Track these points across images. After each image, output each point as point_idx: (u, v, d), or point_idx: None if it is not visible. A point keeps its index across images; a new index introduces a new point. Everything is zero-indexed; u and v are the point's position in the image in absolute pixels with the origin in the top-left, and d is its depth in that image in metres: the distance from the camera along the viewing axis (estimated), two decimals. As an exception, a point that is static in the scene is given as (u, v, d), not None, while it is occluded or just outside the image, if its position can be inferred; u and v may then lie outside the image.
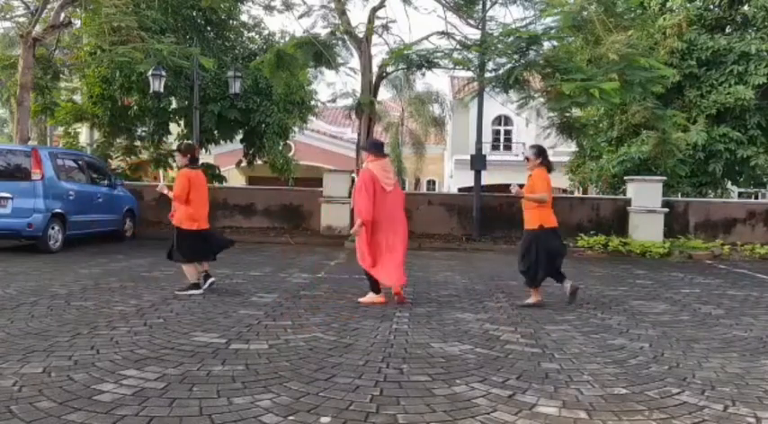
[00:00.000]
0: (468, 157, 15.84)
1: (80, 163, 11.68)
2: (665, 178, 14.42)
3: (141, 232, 13.21)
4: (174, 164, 18.74)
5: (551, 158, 6.79)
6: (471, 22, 14.06)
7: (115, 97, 16.42)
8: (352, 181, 15.08)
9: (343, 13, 14.23)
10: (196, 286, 6.61)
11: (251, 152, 18.73)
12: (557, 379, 3.82)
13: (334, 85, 76.07)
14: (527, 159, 6.65)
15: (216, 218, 14.27)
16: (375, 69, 14.47)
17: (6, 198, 9.70)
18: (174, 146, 18.53)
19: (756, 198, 21.20)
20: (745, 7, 16.08)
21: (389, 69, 14.67)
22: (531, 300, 6.51)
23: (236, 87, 14.70)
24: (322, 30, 14.59)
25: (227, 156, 22.42)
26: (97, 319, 5.17)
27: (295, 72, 14.31)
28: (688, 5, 16.11)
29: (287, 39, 17.05)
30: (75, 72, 17.97)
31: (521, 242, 6.69)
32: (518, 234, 14.42)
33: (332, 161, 23.29)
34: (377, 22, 14.37)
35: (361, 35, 14.09)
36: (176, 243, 6.62)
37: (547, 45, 12.56)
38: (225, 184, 18.66)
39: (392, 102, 29.89)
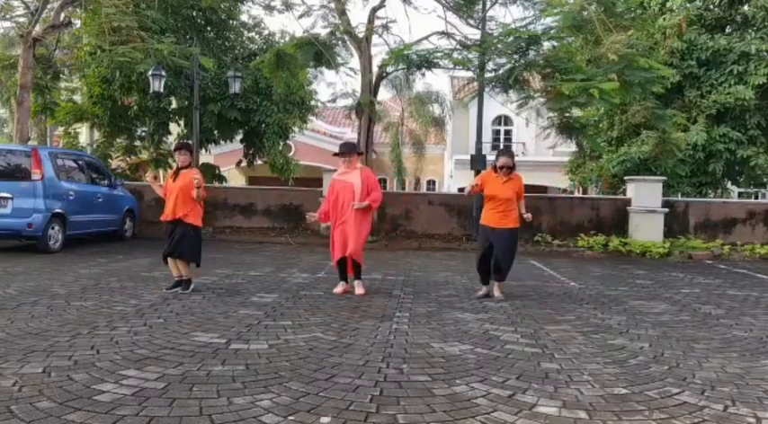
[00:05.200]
0: (468, 157, 15.83)
1: (80, 163, 11.67)
2: (665, 178, 14.42)
3: (141, 232, 13.22)
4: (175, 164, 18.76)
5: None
6: (471, 22, 14.06)
7: (115, 97, 16.41)
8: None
9: (343, 13, 14.23)
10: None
11: (251, 152, 18.74)
12: (557, 379, 3.82)
13: (334, 85, 76.30)
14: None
15: (216, 218, 14.29)
16: (375, 69, 14.47)
17: (6, 199, 9.70)
18: (174, 147, 18.61)
19: (756, 198, 21.18)
20: (745, 7, 16.07)
21: (389, 69, 14.66)
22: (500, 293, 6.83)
23: (236, 87, 14.69)
24: (322, 31, 14.62)
25: (227, 156, 22.42)
26: (97, 319, 5.17)
27: (295, 72, 14.29)
28: (688, 5, 16.09)
29: (287, 39, 17.06)
30: (75, 72, 17.97)
31: (511, 240, 6.81)
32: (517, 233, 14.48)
33: (332, 161, 23.25)
34: (377, 22, 14.37)
35: (361, 35, 14.09)
36: (196, 243, 6.69)
37: (547, 45, 12.57)
38: (225, 184, 18.65)
39: (392, 102, 29.89)
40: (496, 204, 6.71)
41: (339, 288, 6.89)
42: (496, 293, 6.82)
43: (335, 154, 7.03)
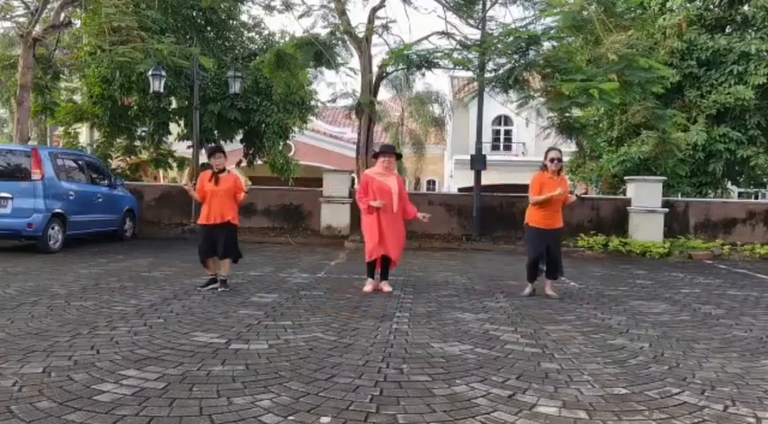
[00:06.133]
0: (468, 157, 15.83)
1: (80, 163, 11.67)
2: (664, 178, 14.41)
3: (141, 232, 13.22)
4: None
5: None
6: (471, 22, 14.06)
7: (115, 97, 16.40)
8: (353, 181, 15.09)
9: (343, 13, 14.23)
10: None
11: (251, 152, 18.73)
12: (557, 379, 3.82)
13: (334, 85, 76.47)
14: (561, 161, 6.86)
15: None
16: (375, 69, 14.46)
17: (6, 199, 9.70)
18: (174, 147, 18.62)
19: (756, 198, 21.19)
20: (745, 7, 16.06)
21: (389, 69, 14.66)
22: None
23: (236, 87, 14.69)
24: (322, 31, 14.62)
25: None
26: (97, 319, 5.17)
27: (295, 72, 14.29)
28: (688, 5, 16.10)
29: (287, 39, 17.05)
30: (75, 72, 17.97)
31: (560, 239, 7.15)
32: (518, 233, 14.47)
33: (332, 161, 23.28)
34: (377, 22, 14.37)
35: (361, 35, 14.09)
36: (234, 241, 6.89)
37: (547, 45, 12.57)
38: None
39: (392, 102, 29.90)
40: (551, 204, 6.76)
41: (370, 286, 6.98)
42: (552, 292, 6.99)
43: (375, 155, 7.08)
